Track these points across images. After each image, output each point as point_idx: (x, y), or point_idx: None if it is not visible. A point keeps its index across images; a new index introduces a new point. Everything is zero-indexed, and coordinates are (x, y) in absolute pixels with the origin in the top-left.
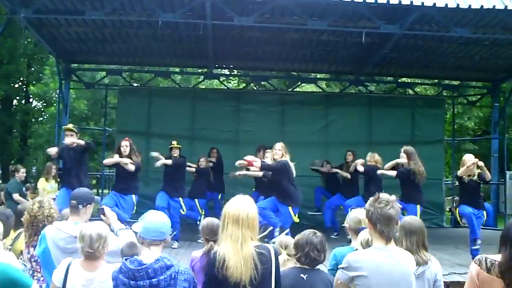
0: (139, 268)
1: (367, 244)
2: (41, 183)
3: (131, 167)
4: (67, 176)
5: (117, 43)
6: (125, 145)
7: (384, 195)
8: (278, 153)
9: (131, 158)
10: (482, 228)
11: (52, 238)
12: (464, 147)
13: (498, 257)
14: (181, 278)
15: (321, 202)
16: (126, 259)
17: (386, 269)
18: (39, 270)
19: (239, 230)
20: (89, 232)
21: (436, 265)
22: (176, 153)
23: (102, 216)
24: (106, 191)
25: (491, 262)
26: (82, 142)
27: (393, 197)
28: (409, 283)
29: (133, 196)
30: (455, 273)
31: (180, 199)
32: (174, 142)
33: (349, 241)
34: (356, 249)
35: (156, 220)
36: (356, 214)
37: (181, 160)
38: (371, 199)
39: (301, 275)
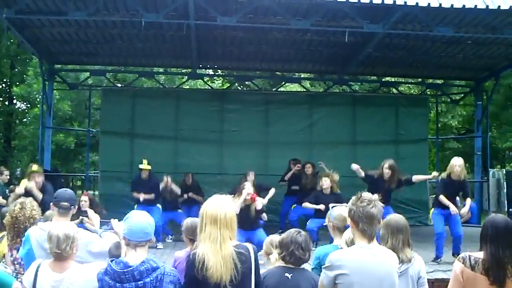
0: (124, 270)
1: (351, 243)
2: (24, 184)
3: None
4: None
5: (100, 44)
6: (84, 200)
7: (366, 194)
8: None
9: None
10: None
11: (36, 239)
12: (448, 145)
13: (481, 255)
14: (167, 280)
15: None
16: (111, 261)
17: (369, 268)
18: (22, 273)
19: (218, 230)
20: (56, 232)
21: (420, 262)
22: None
23: (85, 219)
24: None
25: (475, 260)
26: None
27: (375, 196)
28: (392, 282)
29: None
30: (440, 271)
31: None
32: (145, 162)
33: (331, 241)
34: (341, 247)
35: (141, 221)
36: (341, 212)
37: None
38: (353, 198)
39: (286, 274)
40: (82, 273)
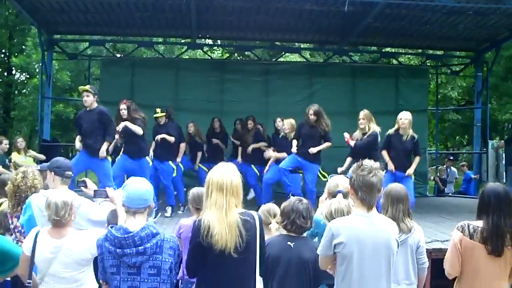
0: (125, 236)
1: (331, 217)
2: (14, 156)
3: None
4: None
5: (99, 13)
6: (123, 108)
7: (367, 162)
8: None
9: (132, 121)
10: (463, 196)
11: (38, 206)
12: (448, 117)
13: (480, 223)
14: (167, 246)
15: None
16: (111, 227)
17: (367, 236)
18: (22, 240)
19: (224, 198)
20: (55, 199)
21: (419, 232)
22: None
23: (83, 188)
24: None
25: (473, 228)
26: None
27: (377, 165)
28: (390, 250)
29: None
30: (438, 241)
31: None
32: (158, 110)
33: None
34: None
35: (139, 187)
36: (335, 180)
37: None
38: (354, 165)
39: (288, 242)
40: (80, 239)
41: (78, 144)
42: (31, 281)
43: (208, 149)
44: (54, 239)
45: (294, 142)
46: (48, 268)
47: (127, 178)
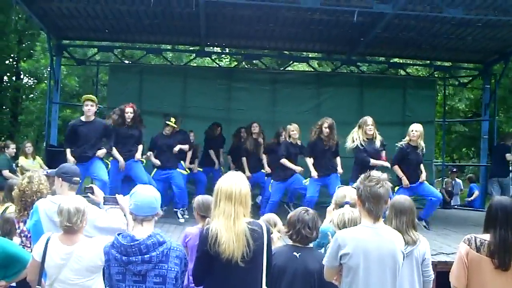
0: (131, 244)
1: (344, 226)
2: (22, 161)
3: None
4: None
5: (108, 20)
6: (130, 111)
7: (375, 173)
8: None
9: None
10: (469, 209)
11: (45, 211)
12: (455, 128)
13: (487, 237)
14: (173, 255)
15: None
16: (118, 234)
17: (373, 247)
18: (29, 245)
19: (232, 207)
20: (67, 206)
21: (425, 244)
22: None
23: (90, 195)
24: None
25: (480, 242)
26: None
27: (384, 176)
28: (396, 261)
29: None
30: (443, 253)
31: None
32: (173, 119)
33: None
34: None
35: (147, 195)
36: (342, 190)
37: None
38: (362, 176)
39: (294, 253)
40: (91, 247)
41: (72, 158)
42: (40, 287)
43: (205, 154)
44: (65, 245)
45: (311, 166)
46: (58, 274)
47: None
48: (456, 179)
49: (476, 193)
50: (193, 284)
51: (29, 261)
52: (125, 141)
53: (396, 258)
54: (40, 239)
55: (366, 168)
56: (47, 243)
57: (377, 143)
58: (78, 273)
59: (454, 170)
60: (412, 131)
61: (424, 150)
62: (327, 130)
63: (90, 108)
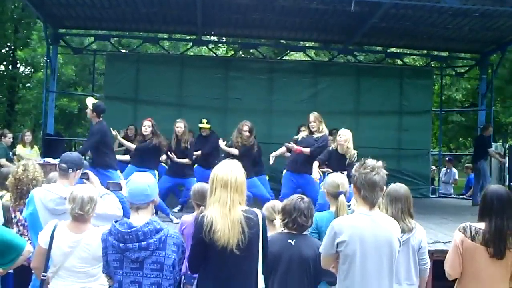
0: (129, 230)
1: None
2: (19, 149)
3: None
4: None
5: (105, 8)
6: (147, 125)
7: (370, 161)
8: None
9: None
10: (466, 199)
11: (40, 200)
12: (451, 118)
13: (482, 225)
14: (170, 242)
15: None
16: (116, 222)
17: (369, 234)
18: (26, 234)
19: (228, 194)
20: (81, 194)
21: (421, 232)
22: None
23: (85, 181)
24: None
25: (475, 230)
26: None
27: (379, 163)
28: (392, 248)
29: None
30: (440, 242)
31: None
32: (205, 121)
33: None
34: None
35: (140, 183)
36: (334, 179)
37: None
38: (357, 164)
39: (289, 240)
40: (99, 236)
41: None
42: (46, 274)
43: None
44: (73, 233)
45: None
46: (64, 262)
47: None
48: (453, 168)
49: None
50: (189, 272)
51: (25, 248)
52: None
53: (393, 245)
54: (46, 226)
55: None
56: (54, 230)
57: (316, 136)
58: (85, 261)
59: (450, 158)
60: (339, 135)
61: (353, 159)
62: (247, 133)
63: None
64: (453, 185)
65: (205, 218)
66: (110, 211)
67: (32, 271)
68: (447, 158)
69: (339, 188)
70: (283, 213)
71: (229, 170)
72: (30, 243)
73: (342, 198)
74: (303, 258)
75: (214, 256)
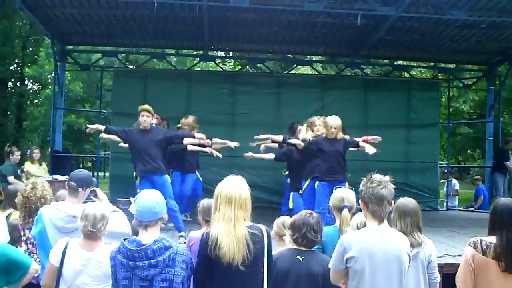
0: (138, 248)
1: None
2: (27, 166)
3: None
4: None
5: (112, 25)
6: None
7: (376, 176)
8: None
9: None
10: (477, 211)
11: (49, 218)
12: (459, 130)
13: (492, 239)
14: (179, 259)
15: None
16: (124, 240)
17: (378, 250)
18: (35, 252)
19: (232, 211)
20: (94, 211)
21: (430, 246)
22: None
23: (93, 198)
24: (101, 173)
25: (486, 245)
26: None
27: (386, 177)
28: (402, 264)
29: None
30: (449, 255)
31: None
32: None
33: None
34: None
35: (148, 201)
36: (340, 193)
37: None
38: (364, 179)
39: (298, 256)
40: None
41: None
42: None
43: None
44: (85, 251)
45: None
46: (75, 280)
47: None
48: (453, 179)
49: (481, 198)
50: None
51: (31, 266)
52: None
53: (402, 260)
54: (57, 244)
55: None
56: (65, 248)
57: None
58: (96, 279)
59: (449, 170)
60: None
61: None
62: None
63: (146, 119)
64: (455, 196)
65: (210, 235)
66: (119, 229)
67: None
68: (445, 170)
69: (343, 202)
70: (292, 229)
71: (233, 186)
72: (38, 261)
73: (345, 212)
74: (312, 275)
75: (219, 272)
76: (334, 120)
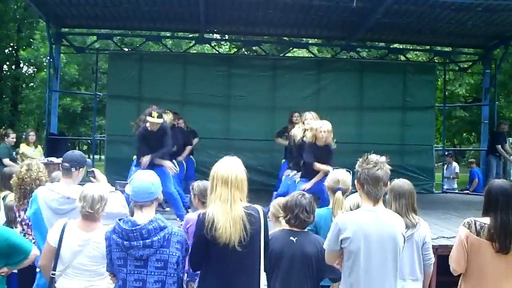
0: (133, 228)
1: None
2: (23, 148)
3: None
4: None
5: (107, 7)
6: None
7: (372, 156)
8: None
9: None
10: (472, 194)
11: (44, 199)
12: (455, 113)
13: (486, 220)
14: (174, 240)
15: None
16: (120, 220)
17: (373, 230)
18: (30, 233)
19: (228, 191)
20: (92, 192)
21: (425, 228)
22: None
23: (92, 179)
24: (97, 156)
25: (480, 225)
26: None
27: (383, 158)
28: (396, 244)
29: None
30: (444, 237)
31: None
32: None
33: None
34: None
35: (144, 181)
36: (336, 174)
37: None
38: (360, 160)
39: (291, 237)
40: None
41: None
42: (55, 272)
43: None
44: (83, 232)
45: None
46: (73, 260)
47: None
48: (453, 162)
49: (476, 181)
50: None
51: (31, 251)
52: None
53: (397, 241)
54: (55, 224)
55: None
56: (63, 229)
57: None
58: (94, 259)
59: (449, 153)
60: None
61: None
62: None
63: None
64: (455, 179)
65: (206, 216)
66: (115, 209)
67: (36, 271)
68: (446, 153)
69: (338, 184)
70: (285, 210)
71: (230, 167)
72: (34, 242)
73: (338, 194)
74: (305, 255)
75: (216, 253)
76: (327, 126)
